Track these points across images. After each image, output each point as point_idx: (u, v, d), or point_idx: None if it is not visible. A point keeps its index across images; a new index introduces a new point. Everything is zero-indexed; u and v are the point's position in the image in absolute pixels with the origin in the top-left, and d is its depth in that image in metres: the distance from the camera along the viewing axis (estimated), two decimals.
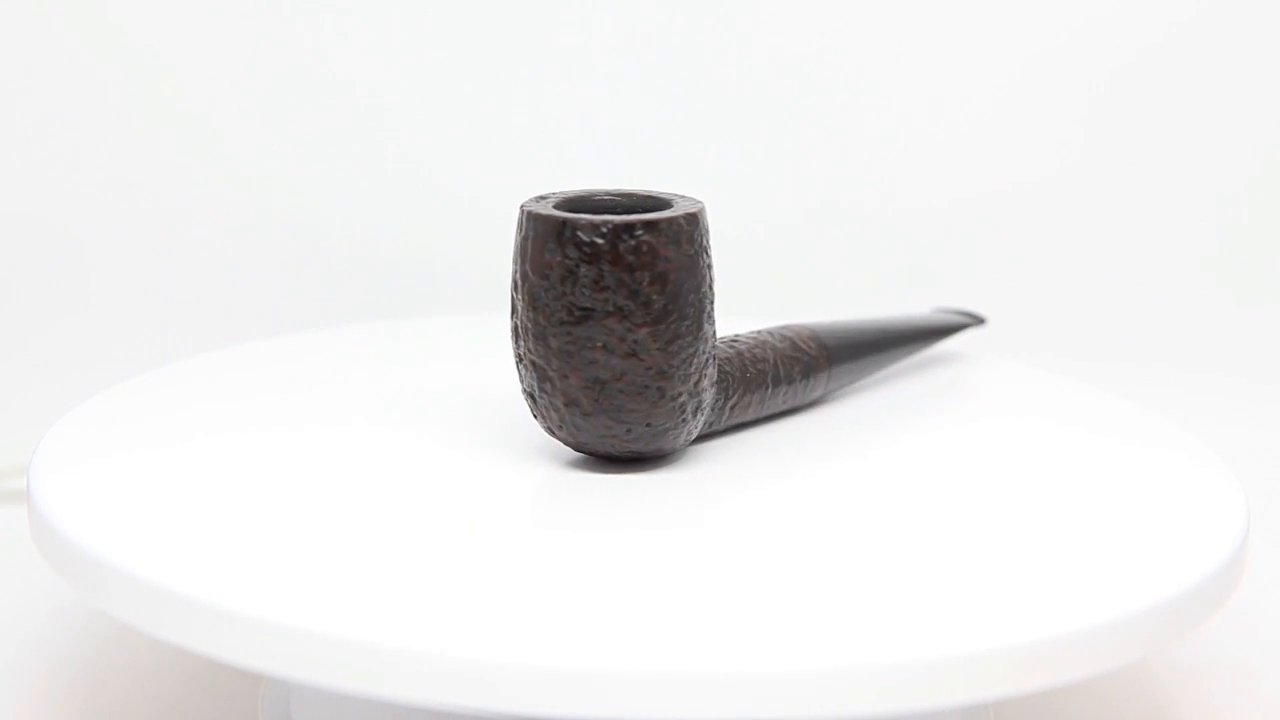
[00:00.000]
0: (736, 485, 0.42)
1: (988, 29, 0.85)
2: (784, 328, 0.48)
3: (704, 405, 0.43)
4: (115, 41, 0.81)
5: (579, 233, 0.40)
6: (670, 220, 0.41)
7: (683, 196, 0.43)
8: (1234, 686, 0.49)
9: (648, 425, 0.41)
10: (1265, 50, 0.85)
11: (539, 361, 0.41)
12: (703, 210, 0.42)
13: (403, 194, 0.82)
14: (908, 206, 0.84)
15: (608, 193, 0.44)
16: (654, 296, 0.40)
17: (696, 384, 0.42)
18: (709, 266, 0.42)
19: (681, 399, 0.42)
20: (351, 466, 0.43)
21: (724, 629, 0.33)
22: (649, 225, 0.40)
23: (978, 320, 0.56)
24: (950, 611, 0.34)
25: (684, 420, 0.42)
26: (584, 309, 0.40)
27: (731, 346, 0.45)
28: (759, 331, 0.47)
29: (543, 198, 0.43)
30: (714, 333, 0.43)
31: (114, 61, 0.81)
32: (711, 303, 0.42)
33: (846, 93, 0.85)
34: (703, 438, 0.45)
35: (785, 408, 0.47)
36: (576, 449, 0.43)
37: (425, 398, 0.49)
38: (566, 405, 0.41)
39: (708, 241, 0.42)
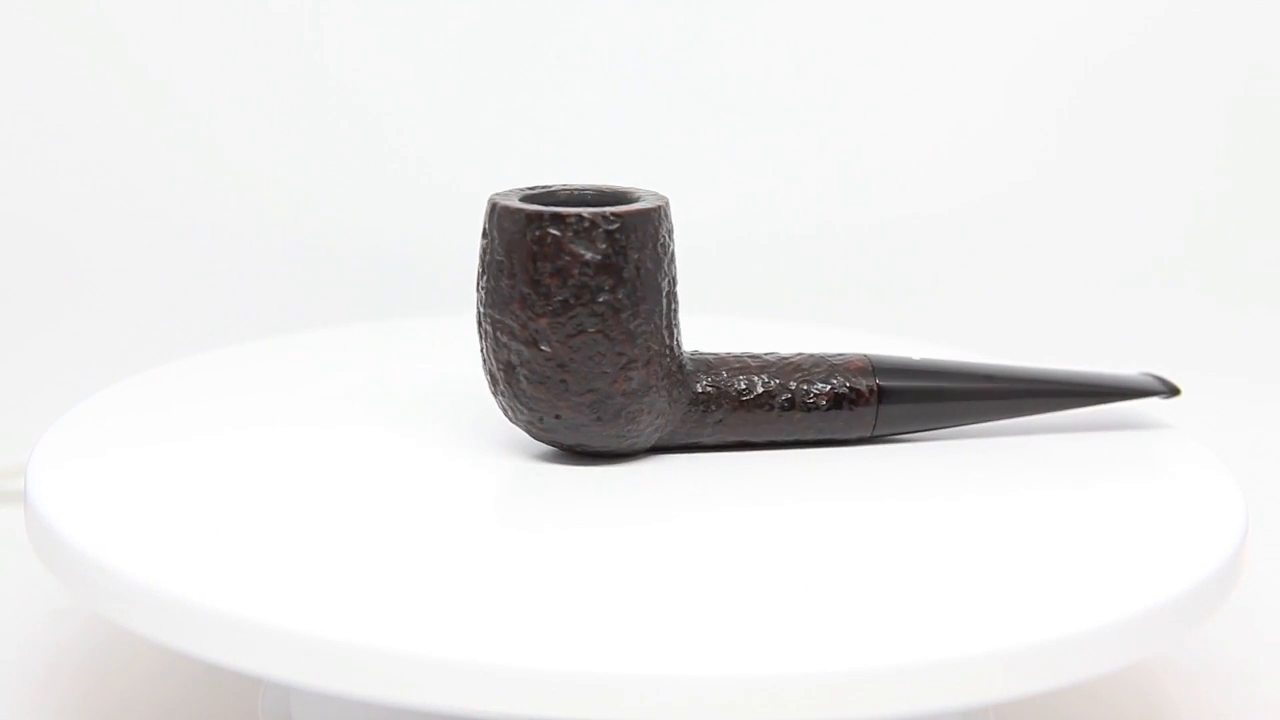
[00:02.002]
0: (735, 490, 0.42)
1: (967, 38, 0.85)
2: (839, 355, 0.46)
3: (633, 410, 0.42)
4: (112, 43, 0.81)
5: (501, 220, 0.41)
6: (580, 217, 0.41)
7: (656, 195, 0.43)
8: (1234, 687, 0.49)
9: (557, 417, 0.42)
10: (1256, 43, 0.85)
11: (479, 340, 0.43)
12: (639, 213, 0.41)
13: (401, 194, 0.82)
14: (907, 211, 0.84)
15: (593, 189, 0.44)
16: (554, 288, 0.41)
17: (613, 384, 0.42)
18: (643, 268, 0.41)
19: (591, 397, 0.41)
20: (348, 467, 0.43)
21: (720, 631, 0.33)
22: (556, 218, 0.41)
23: (1165, 390, 0.48)
24: (947, 614, 0.34)
25: (600, 419, 0.42)
26: (498, 293, 0.41)
27: (739, 361, 0.44)
28: (800, 353, 0.46)
29: (533, 188, 0.44)
30: (655, 336, 0.42)
31: (110, 63, 0.81)
32: (644, 304, 0.41)
33: (855, 101, 0.85)
34: (698, 447, 0.45)
35: (814, 436, 0.45)
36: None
37: (422, 396, 0.49)
38: (493, 383, 0.43)
39: (646, 242, 0.41)
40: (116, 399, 0.48)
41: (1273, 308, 0.83)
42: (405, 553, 0.37)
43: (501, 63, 0.83)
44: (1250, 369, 0.79)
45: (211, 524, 0.38)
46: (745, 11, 0.84)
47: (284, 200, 0.81)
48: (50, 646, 0.50)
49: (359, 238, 0.81)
